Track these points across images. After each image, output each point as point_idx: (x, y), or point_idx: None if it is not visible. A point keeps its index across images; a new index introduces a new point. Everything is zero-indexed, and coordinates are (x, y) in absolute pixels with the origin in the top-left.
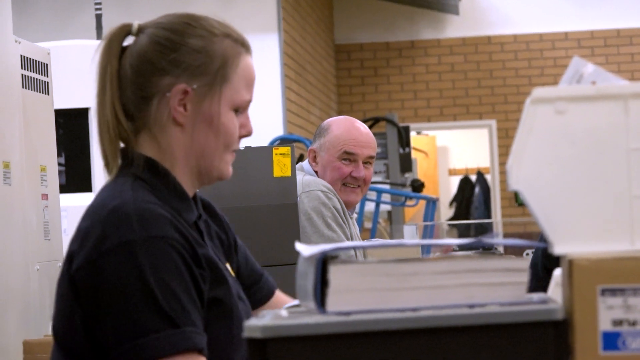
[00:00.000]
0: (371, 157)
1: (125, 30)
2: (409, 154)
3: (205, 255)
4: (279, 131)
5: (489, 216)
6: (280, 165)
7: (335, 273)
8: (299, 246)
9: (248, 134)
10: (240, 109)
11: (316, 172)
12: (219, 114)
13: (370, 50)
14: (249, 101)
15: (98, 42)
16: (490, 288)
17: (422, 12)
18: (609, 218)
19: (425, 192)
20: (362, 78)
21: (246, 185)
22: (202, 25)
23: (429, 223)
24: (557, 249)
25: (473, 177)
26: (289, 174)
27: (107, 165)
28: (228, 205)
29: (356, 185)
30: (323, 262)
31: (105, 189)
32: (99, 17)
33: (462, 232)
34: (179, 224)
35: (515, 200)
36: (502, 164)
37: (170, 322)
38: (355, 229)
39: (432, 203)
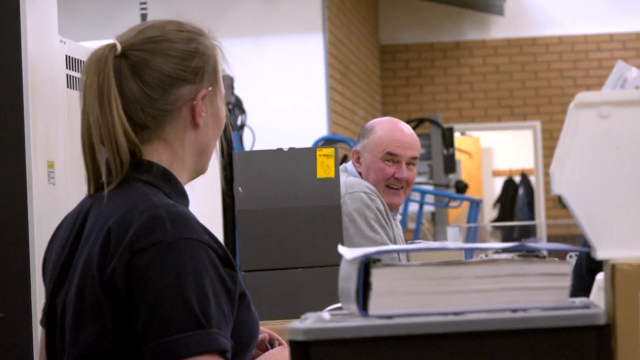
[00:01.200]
0: (414, 158)
1: (113, 51)
2: (452, 155)
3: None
4: (322, 131)
5: (532, 218)
6: (324, 167)
7: (377, 276)
8: (342, 249)
9: None
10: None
11: (360, 173)
12: (222, 108)
13: (415, 51)
14: None
15: None
16: (533, 292)
17: (467, 13)
18: None
19: (469, 194)
20: (407, 79)
21: (290, 187)
22: (187, 28)
23: (472, 225)
24: (600, 254)
25: (517, 179)
26: (332, 175)
27: (110, 175)
28: (271, 206)
29: (399, 186)
30: (366, 265)
31: (120, 196)
32: (144, 17)
33: (506, 233)
34: (204, 227)
35: (559, 202)
36: (547, 165)
37: (197, 323)
38: (399, 231)
39: (475, 204)
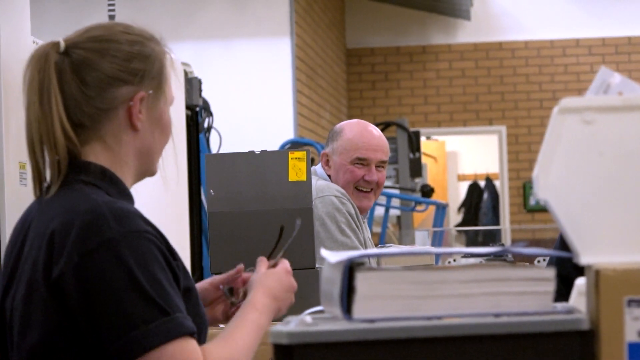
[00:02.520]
0: (383, 162)
1: (56, 48)
2: (419, 159)
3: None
4: (289, 134)
5: (497, 222)
6: (296, 170)
7: (362, 280)
8: (325, 252)
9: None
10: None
11: (329, 175)
12: (166, 113)
13: (381, 55)
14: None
15: None
16: (517, 297)
17: (434, 17)
18: (636, 229)
19: (434, 198)
20: (373, 82)
21: (261, 189)
22: (134, 31)
23: (438, 229)
24: (583, 259)
25: (482, 183)
26: (304, 178)
27: (51, 177)
28: (243, 209)
29: (369, 189)
30: (350, 269)
31: (61, 198)
32: (112, 18)
33: (471, 238)
34: (145, 219)
35: (524, 207)
36: (512, 170)
37: (161, 311)
38: (368, 234)
39: (442, 208)
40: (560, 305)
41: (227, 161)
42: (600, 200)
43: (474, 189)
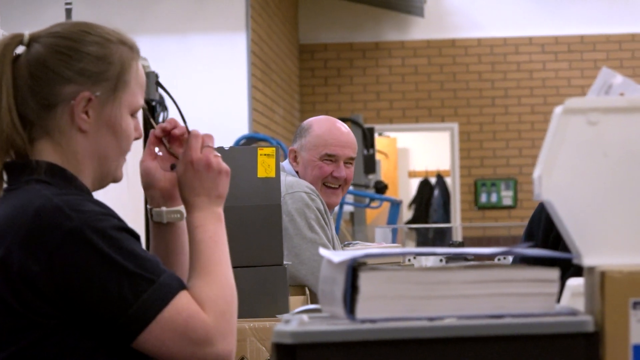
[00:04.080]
0: (352, 158)
1: (17, 40)
2: (373, 156)
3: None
4: (244, 130)
5: (447, 219)
6: (265, 166)
7: (365, 280)
8: (324, 252)
9: (139, 136)
10: (135, 113)
11: (297, 172)
12: (121, 119)
13: (334, 51)
14: (142, 105)
15: None
16: (521, 298)
17: (387, 14)
18: None
19: (386, 194)
20: (326, 78)
21: (230, 185)
22: (99, 32)
23: (394, 226)
24: (586, 261)
25: (433, 180)
26: (273, 174)
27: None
28: None
29: (337, 185)
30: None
31: (13, 198)
32: (68, 12)
33: (421, 235)
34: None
35: (475, 204)
36: (463, 167)
37: (147, 281)
38: (334, 230)
39: (396, 205)
40: (563, 307)
41: None
42: (604, 201)
43: (424, 186)
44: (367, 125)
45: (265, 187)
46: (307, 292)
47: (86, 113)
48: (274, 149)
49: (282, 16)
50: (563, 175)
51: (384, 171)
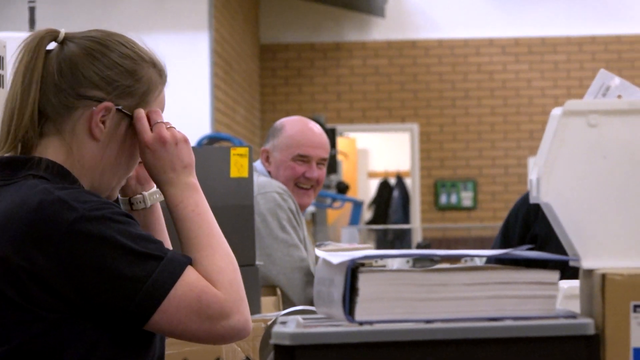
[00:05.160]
0: (324, 159)
1: (53, 36)
2: (334, 156)
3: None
4: (206, 129)
5: (407, 220)
6: (238, 166)
7: (364, 281)
8: (320, 252)
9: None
10: None
11: (269, 172)
12: (134, 141)
13: (295, 51)
14: None
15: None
16: (520, 301)
17: (348, 14)
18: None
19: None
20: (286, 78)
21: (203, 185)
22: (134, 48)
23: (356, 227)
24: (585, 264)
25: (392, 181)
26: (246, 174)
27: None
28: None
29: (309, 185)
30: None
31: (10, 193)
32: (32, 10)
33: (380, 236)
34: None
35: (435, 205)
36: (423, 168)
37: (156, 258)
38: (305, 231)
39: (358, 206)
40: (562, 310)
41: None
42: (603, 204)
43: (384, 187)
44: (329, 126)
45: (238, 188)
46: (279, 292)
47: (103, 122)
48: (247, 149)
49: (244, 16)
50: (562, 178)
51: (343, 172)
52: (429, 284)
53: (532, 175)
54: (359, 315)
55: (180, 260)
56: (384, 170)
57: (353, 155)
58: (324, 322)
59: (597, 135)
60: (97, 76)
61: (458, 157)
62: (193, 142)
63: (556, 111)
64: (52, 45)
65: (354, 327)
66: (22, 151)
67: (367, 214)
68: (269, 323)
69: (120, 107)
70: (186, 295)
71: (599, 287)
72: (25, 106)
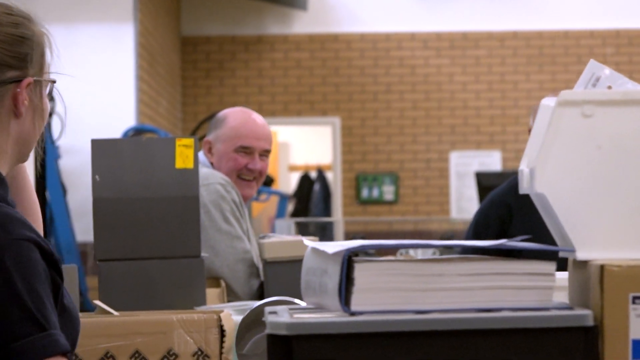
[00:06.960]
0: (267, 150)
1: None
2: None
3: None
4: (131, 121)
5: (328, 213)
6: (183, 157)
7: (360, 271)
8: (308, 242)
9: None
10: (50, 93)
11: (211, 163)
12: (46, 102)
13: (217, 43)
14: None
15: None
16: (517, 292)
17: (270, 7)
18: (634, 224)
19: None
20: (208, 71)
21: (147, 176)
22: (17, 12)
23: (284, 219)
24: (580, 254)
25: (313, 174)
26: (191, 165)
27: None
28: (128, 196)
29: (251, 177)
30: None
31: None
32: None
33: (302, 229)
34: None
35: (357, 199)
36: (345, 162)
37: (39, 327)
38: (248, 223)
39: (284, 199)
40: (558, 301)
41: (113, 147)
42: (598, 194)
43: (304, 180)
44: None
45: (183, 179)
46: (223, 284)
47: (25, 98)
48: (192, 140)
49: (166, 8)
50: (556, 168)
51: None
52: (425, 275)
53: (523, 166)
54: (355, 305)
55: (59, 344)
56: (304, 163)
57: (274, 149)
58: (315, 312)
59: (592, 125)
60: (5, 56)
61: (380, 151)
62: (118, 133)
63: (547, 101)
64: None
65: (351, 317)
66: None
67: (288, 207)
68: (247, 314)
69: (36, 78)
70: None
71: (597, 278)
72: None
